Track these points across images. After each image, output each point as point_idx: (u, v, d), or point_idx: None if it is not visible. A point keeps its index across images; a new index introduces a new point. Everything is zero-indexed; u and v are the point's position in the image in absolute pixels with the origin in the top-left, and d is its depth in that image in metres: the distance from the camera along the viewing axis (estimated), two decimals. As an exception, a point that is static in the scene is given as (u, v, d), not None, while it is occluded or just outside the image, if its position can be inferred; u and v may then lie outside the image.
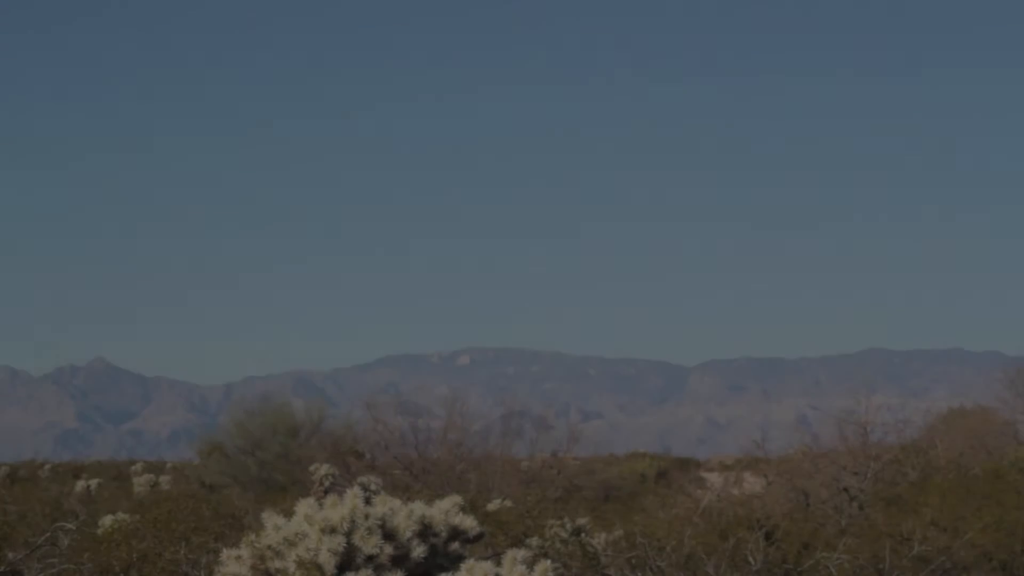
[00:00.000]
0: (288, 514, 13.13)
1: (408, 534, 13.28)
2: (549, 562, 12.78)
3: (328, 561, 12.81)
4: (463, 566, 12.69)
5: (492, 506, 22.51)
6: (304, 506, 13.00)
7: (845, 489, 20.12)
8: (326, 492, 14.02)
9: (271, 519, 13.13)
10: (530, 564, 12.68)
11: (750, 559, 14.04)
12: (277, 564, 12.89)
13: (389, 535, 13.27)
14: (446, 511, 13.67)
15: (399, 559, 13.24)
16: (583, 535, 20.85)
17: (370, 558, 13.05)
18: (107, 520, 15.38)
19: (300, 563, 12.59)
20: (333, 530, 12.95)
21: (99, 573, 12.10)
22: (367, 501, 13.30)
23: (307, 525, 12.96)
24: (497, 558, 12.90)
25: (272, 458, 49.59)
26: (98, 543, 13.03)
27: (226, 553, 12.90)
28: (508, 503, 23.31)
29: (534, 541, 19.00)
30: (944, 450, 26.41)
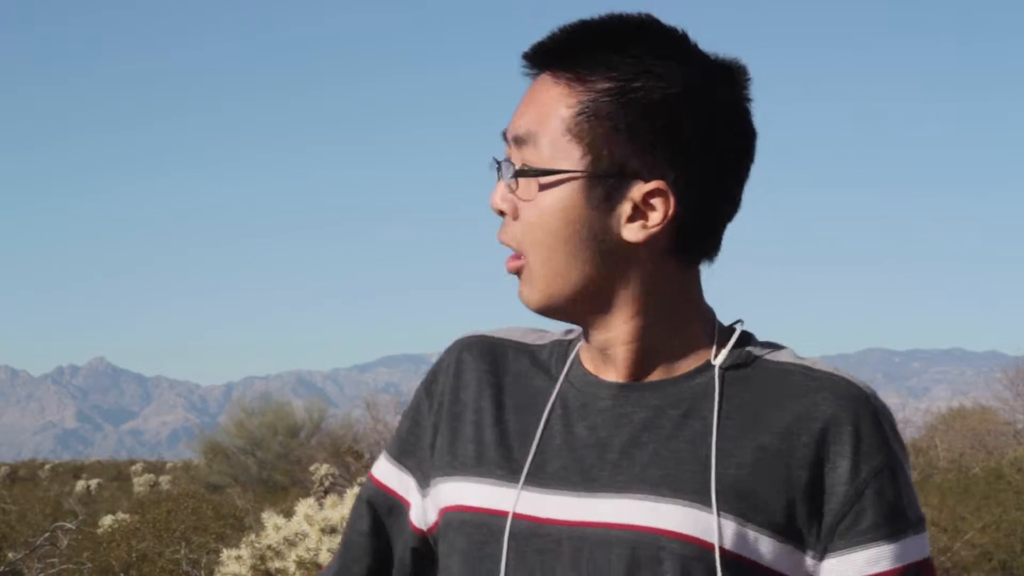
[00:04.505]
0: (288, 514, 13.12)
1: (408, 534, 13.29)
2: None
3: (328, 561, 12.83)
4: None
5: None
6: (304, 506, 13.00)
7: (845, 489, 20.14)
8: (326, 492, 14.04)
9: (271, 519, 13.14)
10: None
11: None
12: (277, 564, 12.89)
13: (389, 535, 13.29)
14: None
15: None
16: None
17: (370, 558, 13.06)
18: (107, 520, 15.38)
19: (300, 563, 12.60)
20: (333, 530, 12.96)
21: (99, 573, 12.11)
22: (367, 501, 13.30)
23: (307, 525, 12.96)
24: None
25: (272, 458, 49.60)
26: (98, 543, 13.02)
27: (226, 553, 12.90)
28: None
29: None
30: (944, 450, 26.41)
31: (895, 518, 1.83)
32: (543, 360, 1.97)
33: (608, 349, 1.88)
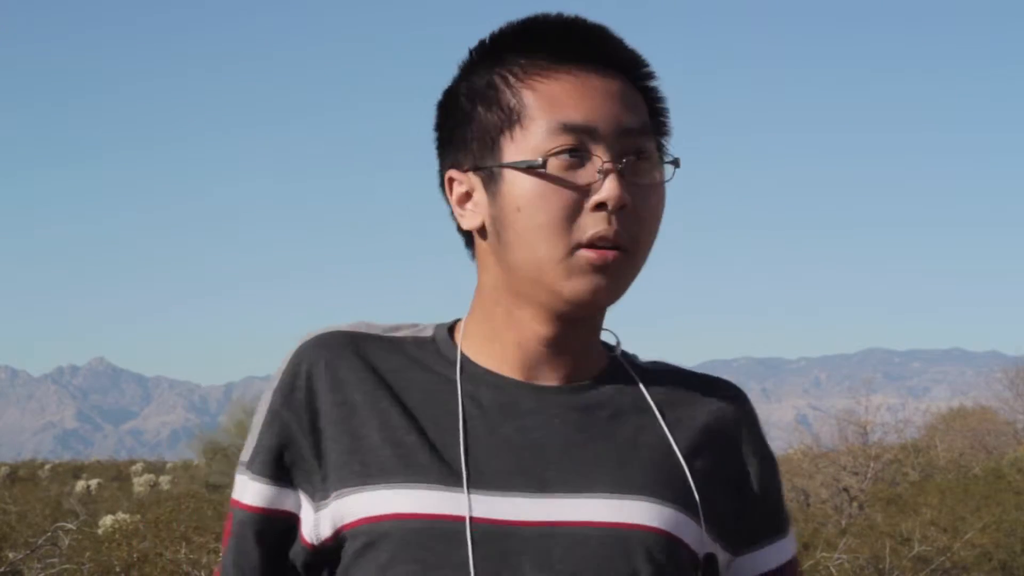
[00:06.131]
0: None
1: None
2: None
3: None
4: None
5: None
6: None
7: (845, 489, 20.13)
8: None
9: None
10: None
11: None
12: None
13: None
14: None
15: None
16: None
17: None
18: (107, 520, 15.38)
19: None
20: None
21: (100, 573, 12.11)
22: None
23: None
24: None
25: (272, 458, 49.48)
26: (98, 543, 13.02)
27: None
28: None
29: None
30: (944, 450, 26.43)
31: (784, 513, 1.94)
32: (415, 355, 1.87)
33: (563, 349, 1.86)
